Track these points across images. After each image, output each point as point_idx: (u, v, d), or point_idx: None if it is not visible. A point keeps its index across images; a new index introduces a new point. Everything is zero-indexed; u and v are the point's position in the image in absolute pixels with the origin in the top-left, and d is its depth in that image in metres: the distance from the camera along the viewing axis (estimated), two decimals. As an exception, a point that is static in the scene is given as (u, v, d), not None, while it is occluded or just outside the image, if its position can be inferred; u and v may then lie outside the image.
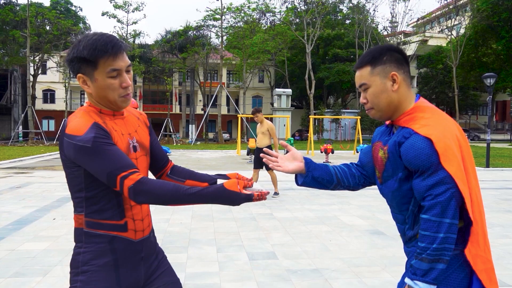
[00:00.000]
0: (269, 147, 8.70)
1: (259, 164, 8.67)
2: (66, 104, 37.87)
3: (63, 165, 1.54)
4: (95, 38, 1.49)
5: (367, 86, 1.64)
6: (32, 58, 35.59)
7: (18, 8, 37.16)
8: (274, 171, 8.29)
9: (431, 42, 47.83)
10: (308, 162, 1.84)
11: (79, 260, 1.54)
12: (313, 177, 1.83)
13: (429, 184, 1.45)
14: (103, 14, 37.29)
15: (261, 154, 1.97)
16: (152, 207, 7.13)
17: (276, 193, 8.61)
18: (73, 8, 53.49)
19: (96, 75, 1.50)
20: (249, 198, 1.43)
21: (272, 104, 46.97)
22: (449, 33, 38.95)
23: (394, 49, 1.65)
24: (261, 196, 1.46)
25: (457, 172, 1.43)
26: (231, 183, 1.43)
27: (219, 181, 1.71)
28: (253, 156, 8.61)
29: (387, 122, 1.75)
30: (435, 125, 1.51)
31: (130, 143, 1.61)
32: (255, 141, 8.83)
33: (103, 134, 1.45)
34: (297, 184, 1.89)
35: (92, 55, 1.47)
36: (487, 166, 15.50)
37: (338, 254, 4.83)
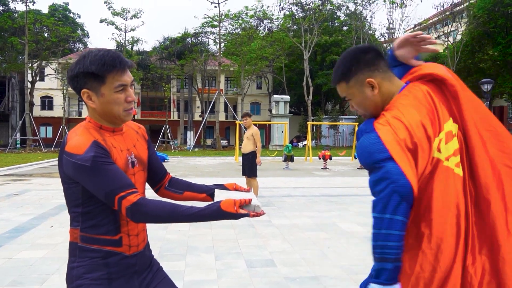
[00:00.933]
0: (253, 153, 8.30)
1: (246, 171, 8.40)
2: (64, 111, 37.83)
3: (62, 180, 1.55)
4: (102, 54, 1.51)
5: (349, 98, 1.64)
6: (30, 65, 35.60)
7: (16, 15, 37.18)
8: (256, 179, 8.28)
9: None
10: None
11: (73, 274, 1.56)
12: None
13: (372, 180, 1.41)
14: (101, 21, 37.30)
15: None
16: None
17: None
18: (71, 15, 53.56)
19: (103, 90, 1.52)
20: (245, 216, 1.48)
21: (270, 110, 47.07)
22: (446, 39, 39.14)
23: (360, 52, 1.58)
24: (257, 215, 1.50)
25: (403, 164, 1.34)
26: (228, 203, 1.45)
27: (217, 194, 1.72)
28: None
29: None
30: (394, 115, 1.44)
31: (128, 159, 1.62)
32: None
33: (102, 153, 1.47)
34: None
35: (100, 70, 1.49)
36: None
37: (337, 261, 4.82)
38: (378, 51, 1.59)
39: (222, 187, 1.83)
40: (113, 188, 1.44)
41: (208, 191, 1.82)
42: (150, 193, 1.81)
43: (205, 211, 1.45)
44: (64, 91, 36.90)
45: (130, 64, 1.57)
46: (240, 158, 8.80)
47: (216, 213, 1.45)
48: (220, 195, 1.67)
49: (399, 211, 1.32)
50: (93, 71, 1.49)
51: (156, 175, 1.84)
